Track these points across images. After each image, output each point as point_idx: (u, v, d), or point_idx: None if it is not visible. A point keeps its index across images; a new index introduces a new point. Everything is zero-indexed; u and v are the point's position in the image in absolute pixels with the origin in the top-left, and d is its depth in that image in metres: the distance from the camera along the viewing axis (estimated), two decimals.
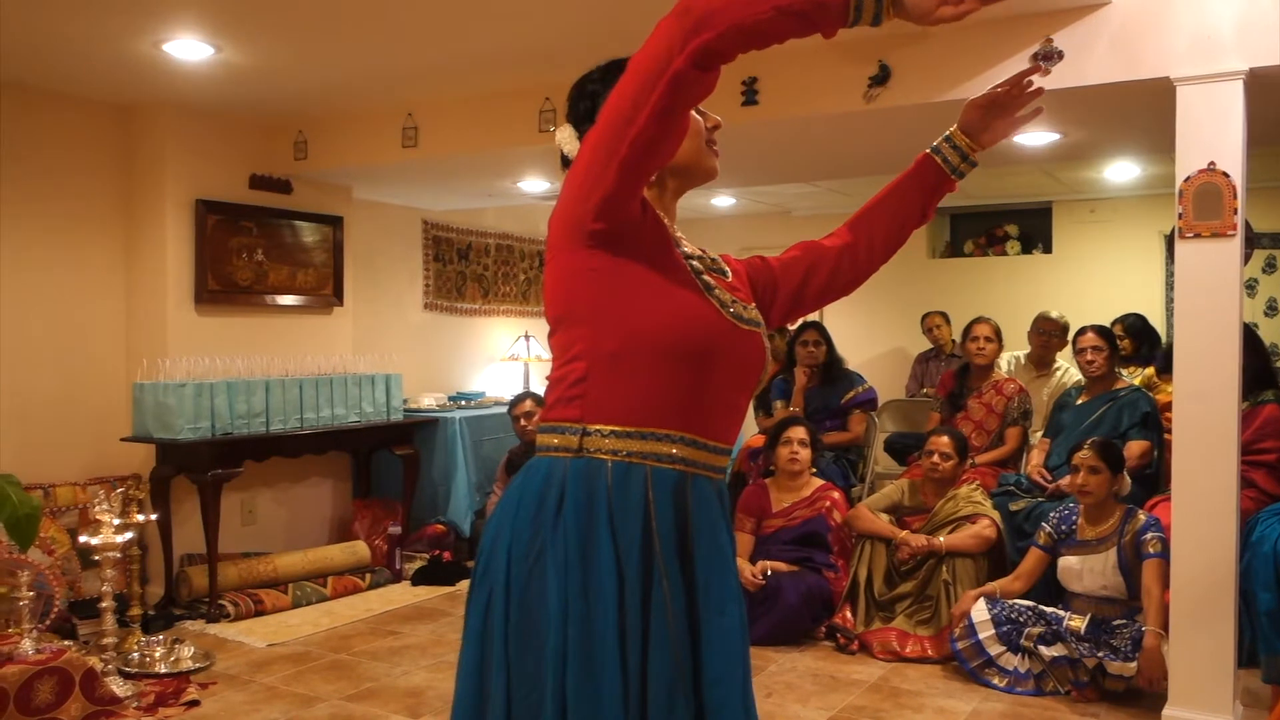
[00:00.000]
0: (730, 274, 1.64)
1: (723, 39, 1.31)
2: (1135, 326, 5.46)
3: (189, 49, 3.88)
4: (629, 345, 1.46)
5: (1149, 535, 3.58)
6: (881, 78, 3.67)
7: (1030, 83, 1.72)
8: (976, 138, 1.73)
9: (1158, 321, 6.31)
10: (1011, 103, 1.72)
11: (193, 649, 4.00)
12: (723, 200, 7.24)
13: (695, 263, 1.57)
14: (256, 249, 5.16)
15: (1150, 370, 5.21)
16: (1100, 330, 4.64)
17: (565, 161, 1.60)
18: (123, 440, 4.75)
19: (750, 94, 3.93)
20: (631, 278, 1.47)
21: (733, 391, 1.55)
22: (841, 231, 1.76)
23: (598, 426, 1.47)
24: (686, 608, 1.46)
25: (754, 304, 1.64)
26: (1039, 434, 5.01)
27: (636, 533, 1.45)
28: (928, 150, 1.74)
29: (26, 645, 3.31)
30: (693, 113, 1.54)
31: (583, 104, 1.61)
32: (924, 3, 1.32)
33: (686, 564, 1.48)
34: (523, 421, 5.58)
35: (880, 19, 1.32)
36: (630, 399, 1.46)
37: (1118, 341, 4.86)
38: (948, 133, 1.74)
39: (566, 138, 1.61)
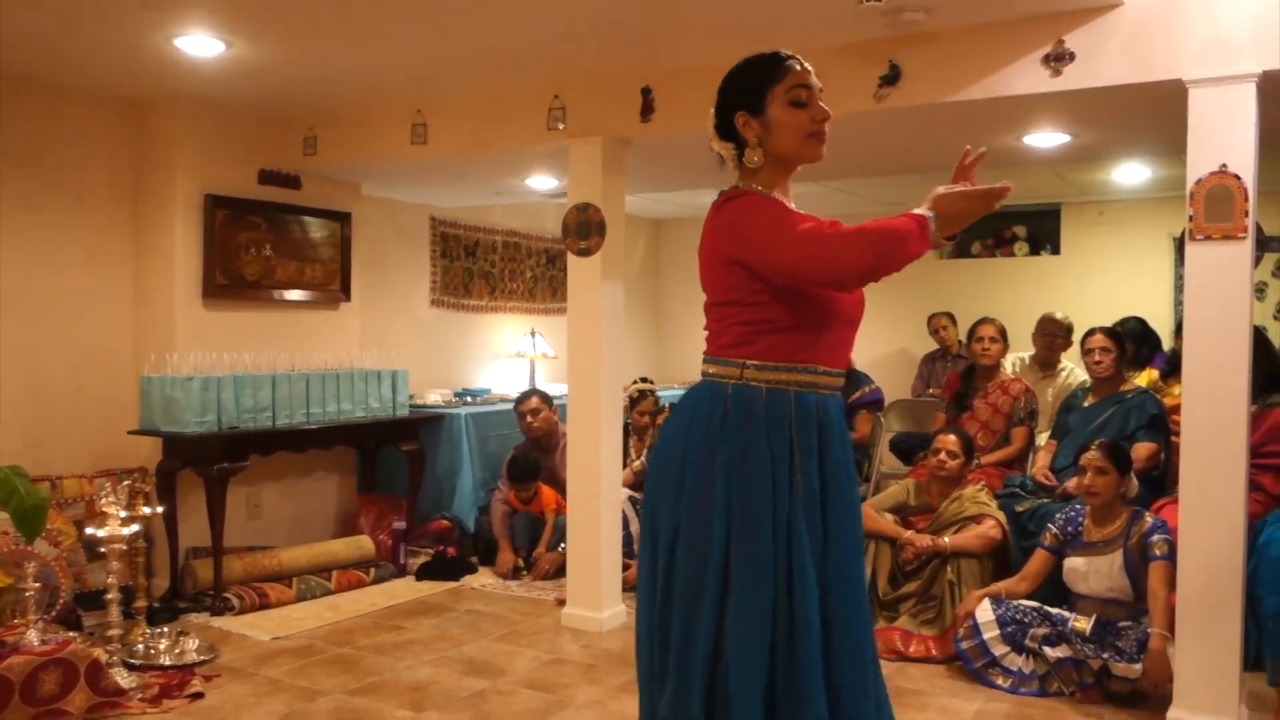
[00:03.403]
0: None
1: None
2: (1135, 330, 5.44)
3: (200, 44, 3.89)
4: (783, 314, 1.98)
5: (1155, 537, 3.57)
6: (892, 77, 3.66)
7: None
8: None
9: (1164, 324, 6.30)
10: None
11: (197, 642, 4.00)
12: None
13: None
14: (265, 244, 5.16)
15: (1150, 372, 5.20)
16: (1109, 332, 4.63)
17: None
18: (130, 433, 4.76)
19: None
20: None
21: (847, 330, 2.09)
22: None
23: (754, 362, 2.00)
24: (820, 492, 2.00)
25: None
26: (1045, 435, 5.00)
27: (784, 438, 1.98)
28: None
29: (32, 636, 3.32)
30: (796, 109, 2.01)
31: (720, 119, 2.08)
32: (953, 210, 1.93)
33: (824, 459, 2.01)
34: (529, 419, 5.59)
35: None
36: (781, 345, 1.99)
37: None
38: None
39: (719, 148, 2.11)
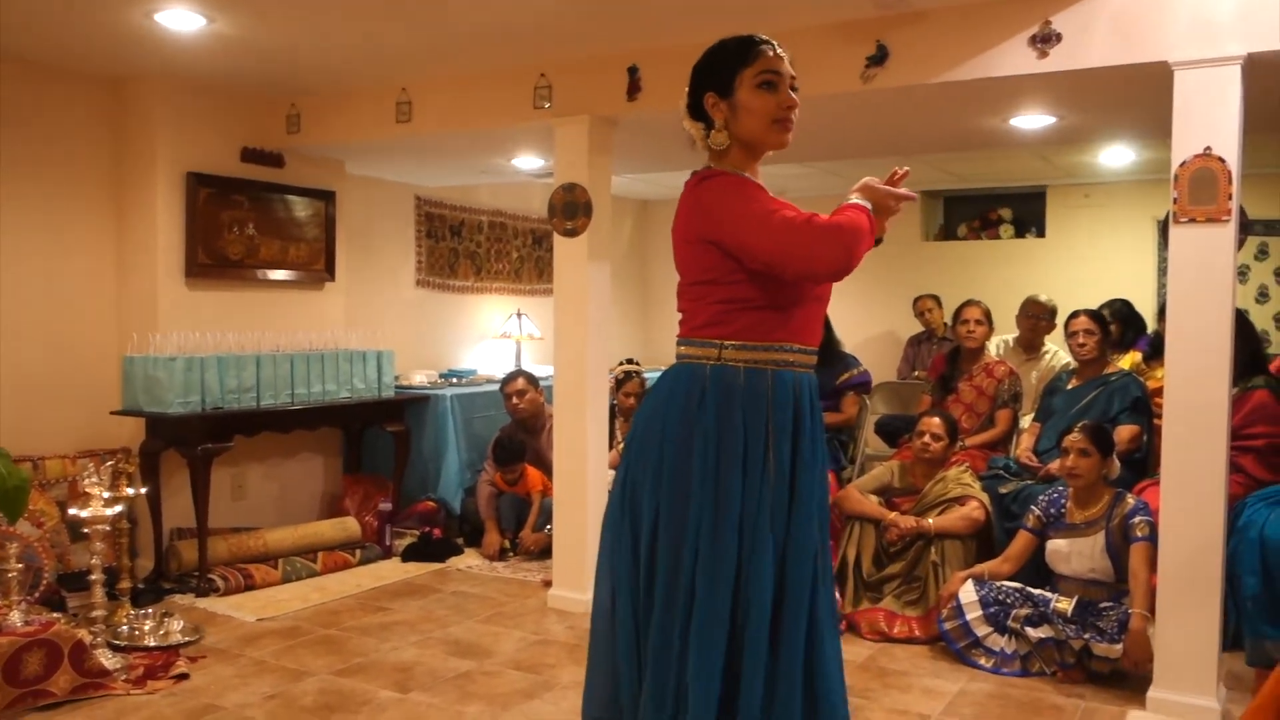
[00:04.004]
0: None
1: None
2: (1121, 312, 5.47)
3: (181, 19, 3.84)
4: (759, 292, 1.99)
5: (1137, 519, 3.60)
6: (879, 58, 3.65)
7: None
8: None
9: (1148, 307, 6.33)
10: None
11: (182, 623, 4.00)
12: None
13: None
14: (248, 223, 5.12)
15: (1134, 355, 5.22)
16: (1092, 314, 4.65)
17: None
18: (113, 413, 4.73)
19: None
20: None
21: (818, 307, 2.12)
22: None
23: (732, 342, 2.02)
24: (790, 470, 2.04)
25: None
26: (1028, 417, 5.03)
27: (761, 416, 2.01)
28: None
29: (15, 617, 3.31)
30: (764, 94, 2.03)
31: (691, 98, 2.10)
32: (882, 204, 2.05)
33: (797, 436, 2.05)
34: (514, 400, 5.58)
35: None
36: (758, 325, 2.01)
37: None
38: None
39: (689, 127, 2.13)
